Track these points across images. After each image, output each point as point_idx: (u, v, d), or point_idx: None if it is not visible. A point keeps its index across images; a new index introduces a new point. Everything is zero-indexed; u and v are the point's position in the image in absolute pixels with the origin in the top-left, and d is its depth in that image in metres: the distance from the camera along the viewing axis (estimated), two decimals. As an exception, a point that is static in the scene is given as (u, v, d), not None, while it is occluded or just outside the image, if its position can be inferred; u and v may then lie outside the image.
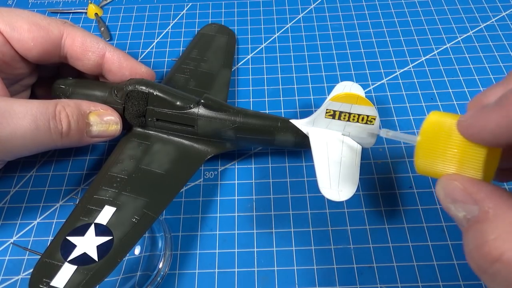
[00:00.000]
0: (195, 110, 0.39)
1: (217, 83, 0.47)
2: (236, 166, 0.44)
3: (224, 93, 0.46)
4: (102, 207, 0.34)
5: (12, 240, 0.39)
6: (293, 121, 0.39)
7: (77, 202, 0.35)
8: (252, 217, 0.40)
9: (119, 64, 0.41)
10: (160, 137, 0.40)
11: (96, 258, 0.31)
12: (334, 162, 0.36)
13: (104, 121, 0.38)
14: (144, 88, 0.39)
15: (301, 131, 0.38)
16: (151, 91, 0.38)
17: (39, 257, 0.31)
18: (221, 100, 0.40)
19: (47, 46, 0.38)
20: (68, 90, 0.41)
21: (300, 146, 0.40)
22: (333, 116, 0.36)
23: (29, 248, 0.38)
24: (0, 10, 0.38)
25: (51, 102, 0.35)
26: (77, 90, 0.40)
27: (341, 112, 0.35)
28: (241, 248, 0.38)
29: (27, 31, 0.37)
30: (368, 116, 0.35)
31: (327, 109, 0.36)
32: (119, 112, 0.39)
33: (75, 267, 0.30)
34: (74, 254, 0.31)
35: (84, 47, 0.40)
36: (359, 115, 0.35)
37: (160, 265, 0.36)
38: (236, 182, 0.42)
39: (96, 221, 0.33)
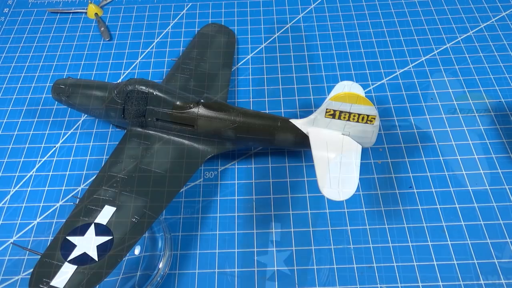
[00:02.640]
0: (195, 110, 0.39)
1: (217, 83, 0.47)
2: (236, 166, 0.44)
3: (224, 93, 0.46)
4: (102, 207, 0.34)
5: (12, 240, 0.39)
6: (293, 121, 0.39)
7: (77, 202, 0.35)
8: (252, 217, 0.40)
9: None
10: (160, 137, 0.40)
11: (96, 258, 0.31)
12: (334, 162, 0.36)
13: None
14: (144, 88, 0.39)
15: (301, 130, 0.38)
16: (151, 91, 0.38)
17: (39, 257, 0.31)
18: (221, 100, 0.40)
19: None
20: (68, 90, 0.41)
21: (300, 146, 0.40)
22: (333, 116, 0.36)
23: (29, 248, 0.38)
24: None
25: None
26: (77, 90, 0.40)
27: (341, 112, 0.35)
28: (241, 248, 0.38)
29: None
30: (368, 116, 0.35)
31: (327, 109, 0.36)
32: (119, 112, 0.39)
33: (75, 267, 0.30)
34: (74, 254, 0.31)
35: None
36: (359, 114, 0.35)
37: (160, 265, 0.36)
38: (236, 182, 0.42)
39: (96, 221, 0.33)
